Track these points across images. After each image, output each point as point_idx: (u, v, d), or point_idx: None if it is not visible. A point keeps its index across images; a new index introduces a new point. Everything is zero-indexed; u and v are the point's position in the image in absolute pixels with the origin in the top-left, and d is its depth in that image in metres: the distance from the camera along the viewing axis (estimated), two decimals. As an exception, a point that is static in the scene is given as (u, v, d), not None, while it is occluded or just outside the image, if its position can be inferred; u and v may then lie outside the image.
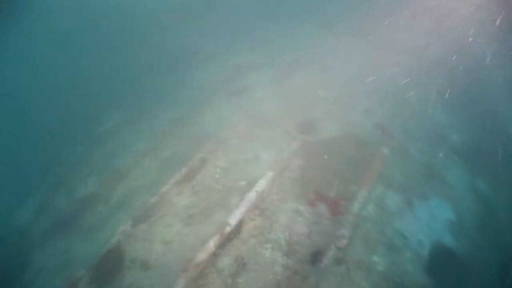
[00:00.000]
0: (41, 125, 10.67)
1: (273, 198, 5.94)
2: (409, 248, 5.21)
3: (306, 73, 9.62)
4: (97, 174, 8.00)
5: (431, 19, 9.53)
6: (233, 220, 5.64)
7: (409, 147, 6.84)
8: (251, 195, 5.91)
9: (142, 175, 7.43)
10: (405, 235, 5.34)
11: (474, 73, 8.02)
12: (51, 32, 16.32)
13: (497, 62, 7.58)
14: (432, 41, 9.05)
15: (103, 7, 17.26)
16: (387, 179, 6.14)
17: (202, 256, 5.24)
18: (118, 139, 9.06)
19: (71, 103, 10.89)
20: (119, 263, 5.68)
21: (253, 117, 7.88)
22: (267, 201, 5.90)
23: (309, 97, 8.42)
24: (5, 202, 8.18)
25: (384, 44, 10.12)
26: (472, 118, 7.45)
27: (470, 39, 8.10)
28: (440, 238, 5.36)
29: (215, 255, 5.29)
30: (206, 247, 5.32)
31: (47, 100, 11.94)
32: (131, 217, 6.31)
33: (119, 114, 10.08)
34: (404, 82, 8.52)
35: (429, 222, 5.50)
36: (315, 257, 5.12)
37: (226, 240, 5.45)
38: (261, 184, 6.07)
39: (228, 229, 5.53)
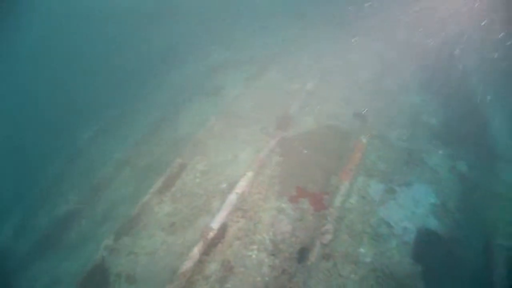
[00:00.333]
0: (13, 143, 10.37)
1: (255, 198, 5.86)
2: (395, 236, 5.18)
3: (282, 68, 9.54)
4: (77, 189, 7.84)
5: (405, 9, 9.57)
6: (216, 224, 5.54)
7: (389, 135, 6.81)
8: (232, 197, 5.82)
9: (122, 186, 7.30)
10: (390, 223, 5.30)
11: (450, 58, 8.05)
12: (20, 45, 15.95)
13: (470, 47, 7.63)
14: (406, 27, 9.09)
15: (71, 14, 16.92)
16: (368, 169, 6.09)
17: (187, 264, 5.14)
18: (96, 150, 8.90)
19: (44, 117, 10.62)
20: (105, 279, 5.57)
21: (229, 116, 7.77)
22: (249, 201, 5.81)
23: (285, 91, 8.34)
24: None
25: (360, 34, 10.13)
26: (449, 101, 7.45)
27: (443, 24, 8.15)
28: (424, 223, 5.34)
29: (201, 262, 5.20)
30: (191, 255, 5.22)
31: (18, 116, 11.63)
32: (113, 231, 6.18)
33: (95, 124, 9.88)
34: (380, 69, 8.52)
35: (413, 208, 5.47)
36: (302, 254, 5.05)
37: (211, 245, 5.37)
38: (242, 185, 5.97)
39: (211, 234, 5.43)
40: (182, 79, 10.64)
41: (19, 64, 15.19)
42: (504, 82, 7.08)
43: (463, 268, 4.91)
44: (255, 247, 5.26)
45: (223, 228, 5.55)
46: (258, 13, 13.56)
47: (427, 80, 7.86)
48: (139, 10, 15.75)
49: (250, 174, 6.15)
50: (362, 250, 5.06)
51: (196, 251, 5.24)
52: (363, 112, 7.11)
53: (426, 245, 5.10)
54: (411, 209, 5.46)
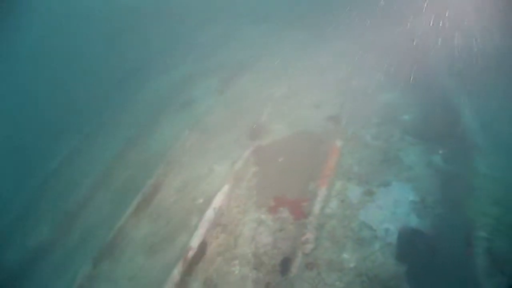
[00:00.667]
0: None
1: (233, 211, 5.73)
2: (377, 239, 5.10)
3: (252, 75, 9.47)
4: (50, 218, 7.54)
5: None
6: (195, 242, 5.40)
7: (363, 135, 6.77)
8: (210, 213, 5.68)
9: (97, 211, 7.07)
10: (371, 226, 5.23)
11: (420, 52, 8.09)
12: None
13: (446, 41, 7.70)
14: (372, 25, 9.12)
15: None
16: (345, 172, 6.03)
17: (168, 287, 4.96)
18: (67, 175, 8.62)
19: (9, 143, 10.24)
20: (84, 309, 5.36)
21: (201, 130, 7.66)
22: (228, 215, 5.68)
23: (256, 100, 8.26)
24: None
25: (327, 36, 10.15)
26: (420, 96, 7.48)
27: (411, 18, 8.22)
28: (406, 222, 5.28)
29: (183, 282, 5.04)
30: (171, 277, 5.05)
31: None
32: (91, 258, 5.98)
33: (66, 147, 9.59)
34: (349, 70, 8.52)
35: (393, 208, 5.42)
36: (284, 265, 4.93)
37: (192, 264, 5.22)
38: (219, 199, 5.85)
39: (191, 252, 5.28)
40: (151, 94, 10.46)
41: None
42: (477, 75, 7.11)
43: (447, 262, 4.88)
44: (237, 262, 5.13)
45: (203, 245, 5.40)
46: (226, 18, 13.52)
47: (399, 78, 7.86)
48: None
49: (226, 187, 6.02)
50: (345, 255, 4.96)
51: (176, 273, 5.07)
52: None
53: (409, 244, 5.05)
54: (391, 210, 5.40)
